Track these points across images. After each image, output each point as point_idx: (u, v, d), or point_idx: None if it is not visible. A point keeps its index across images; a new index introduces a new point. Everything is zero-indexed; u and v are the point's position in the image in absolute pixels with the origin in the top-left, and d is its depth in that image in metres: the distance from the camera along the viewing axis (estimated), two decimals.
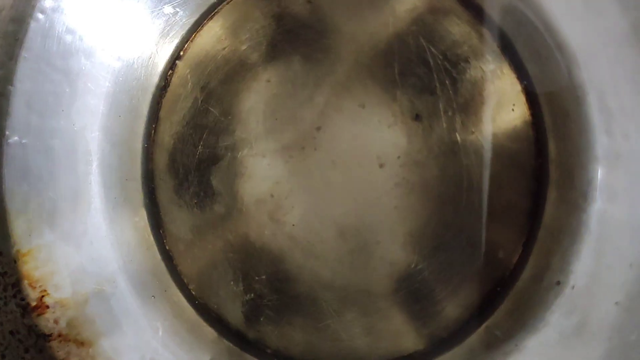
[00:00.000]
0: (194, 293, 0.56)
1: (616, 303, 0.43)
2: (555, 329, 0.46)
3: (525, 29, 0.49)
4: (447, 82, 0.50)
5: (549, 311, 0.46)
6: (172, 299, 0.56)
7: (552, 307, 0.46)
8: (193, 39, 0.57)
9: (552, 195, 0.48)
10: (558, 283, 0.46)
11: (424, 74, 0.50)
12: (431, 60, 0.50)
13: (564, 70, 0.47)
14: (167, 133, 0.57)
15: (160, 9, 0.56)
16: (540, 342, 0.46)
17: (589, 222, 0.46)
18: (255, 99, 0.54)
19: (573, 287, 0.45)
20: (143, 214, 0.58)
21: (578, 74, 0.46)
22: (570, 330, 0.45)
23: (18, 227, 0.55)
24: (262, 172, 0.53)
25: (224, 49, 0.56)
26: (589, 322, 0.45)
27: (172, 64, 0.57)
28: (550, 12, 0.47)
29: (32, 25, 0.55)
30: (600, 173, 0.45)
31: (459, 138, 0.49)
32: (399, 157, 0.50)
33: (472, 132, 0.49)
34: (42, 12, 0.54)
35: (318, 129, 0.52)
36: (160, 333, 0.55)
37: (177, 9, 0.56)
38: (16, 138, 0.55)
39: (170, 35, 0.57)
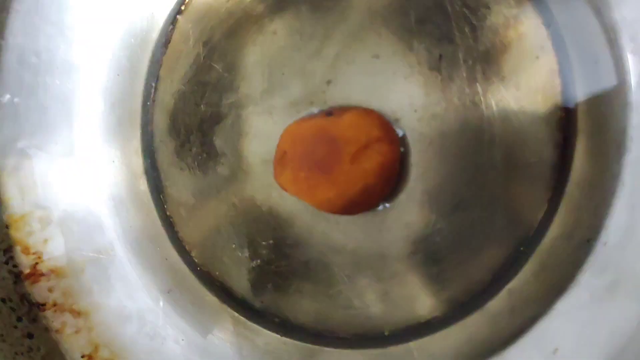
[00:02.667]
0: (196, 260, 0.53)
1: None
2: (586, 289, 0.42)
3: None
4: (466, 29, 0.47)
5: (578, 270, 0.43)
6: (173, 267, 0.53)
7: (582, 266, 0.43)
8: None
9: (580, 146, 0.45)
10: (589, 240, 0.42)
11: (442, 22, 0.47)
12: (449, 7, 0.47)
13: (595, 12, 0.43)
14: (168, 92, 0.54)
15: None
16: (570, 304, 0.43)
17: (622, 174, 0.42)
18: (261, 53, 0.51)
19: (605, 244, 0.42)
20: (142, 177, 0.55)
21: (609, 14, 0.43)
22: (602, 291, 0.42)
23: (10, 190, 0.52)
24: (268, 130, 0.50)
25: (228, 1, 0.52)
26: (622, 281, 0.42)
27: (173, 19, 0.54)
28: None
29: None
30: (634, 120, 0.42)
31: (479, 88, 0.46)
32: (415, 110, 0.47)
33: (494, 82, 0.46)
34: None
35: (328, 82, 0.49)
36: (161, 303, 0.52)
37: None
38: (8, 96, 0.52)
39: None
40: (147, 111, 0.55)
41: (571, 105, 0.45)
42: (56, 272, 0.52)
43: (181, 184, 0.54)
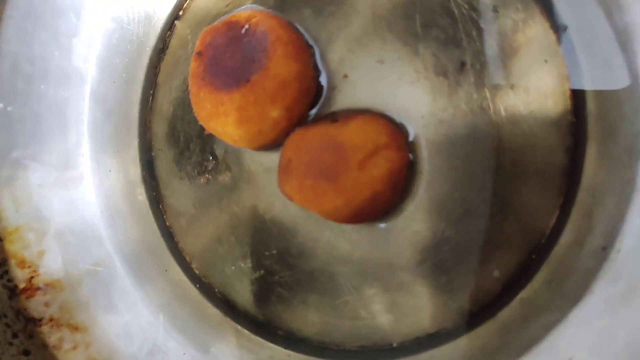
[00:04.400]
0: (197, 272, 0.52)
1: None
2: (601, 297, 0.41)
3: None
4: (473, 33, 0.46)
5: (592, 278, 0.42)
6: (173, 279, 0.52)
7: (596, 273, 0.42)
8: None
9: (591, 152, 0.44)
10: (604, 249, 0.41)
11: (448, 25, 0.46)
12: (456, 10, 0.46)
13: (605, 14, 0.43)
14: (166, 99, 0.53)
15: None
16: (584, 312, 0.42)
17: (635, 179, 0.41)
18: None
19: (619, 251, 0.41)
20: (141, 187, 0.53)
21: (620, 19, 0.42)
22: (617, 298, 0.41)
23: (4, 202, 0.50)
24: None
25: (227, 5, 0.51)
26: (637, 289, 0.41)
27: (170, 24, 0.53)
28: None
29: None
30: None
31: (488, 93, 0.45)
32: (422, 116, 0.46)
33: (503, 87, 0.45)
34: None
35: (333, 88, 0.47)
36: (161, 317, 0.50)
37: None
38: (1, 105, 0.50)
39: None
40: (144, 119, 0.54)
41: (581, 109, 0.44)
42: (53, 286, 0.51)
43: (181, 194, 0.52)
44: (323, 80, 0.48)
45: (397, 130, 0.45)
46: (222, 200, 0.51)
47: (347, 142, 0.43)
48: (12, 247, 0.50)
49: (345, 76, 0.47)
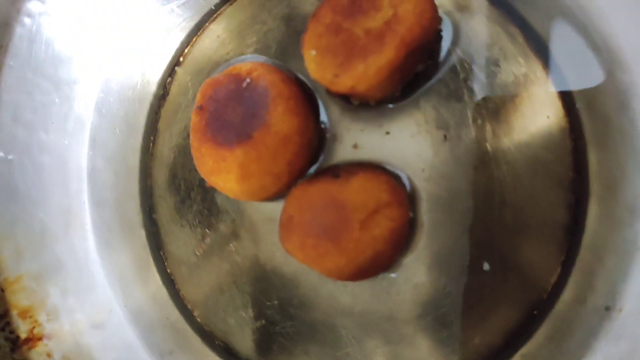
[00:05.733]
0: (199, 320, 0.52)
1: None
2: (602, 356, 0.42)
3: (561, 28, 0.45)
4: (475, 87, 0.46)
5: (593, 337, 0.42)
6: (175, 327, 0.52)
7: (597, 332, 0.42)
8: (194, 43, 0.53)
9: (593, 210, 0.44)
10: (607, 308, 0.41)
11: (449, 79, 0.46)
12: (458, 65, 0.46)
13: (606, 74, 0.43)
14: (167, 146, 0.53)
15: (158, 11, 0.52)
16: None
17: (637, 239, 0.42)
18: None
19: (621, 311, 0.41)
20: (142, 234, 0.53)
21: (622, 77, 0.42)
22: (619, 358, 0.41)
23: (5, 252, 0.50)
24: None
25: (228, 53, 0.51)
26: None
27: (171, 71, 0.53)
28: (592, 8, 0.43)
29: (18, 30, 0.50)
30: None
31: (489, 148, 0.45)
32: (423, 169, 0.46)
33: (504, 142, 0.45)
34: (29, 15, 0.50)
35: (334, 139, 0.47)
36: None
37: (176, 11, 0.52)
38: (1, 154, 0.50)
39: (168, 40, 0.53)
40: (145, 165, 0.53)
41: (583, 166, 0.44)
42: (54, 336, 0.51)
43: (182, 242, 0.52)
44: (324, 123, 0.48)
45: (398, 185, 0.45)
46: (223, 249, 0.51)
47: (349, 200, 0.43)
48: (14, 297, 0.50)
49: (355, 146, 0.47)
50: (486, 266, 0.45)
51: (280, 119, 0.44)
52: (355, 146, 0.47)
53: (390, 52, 0.41)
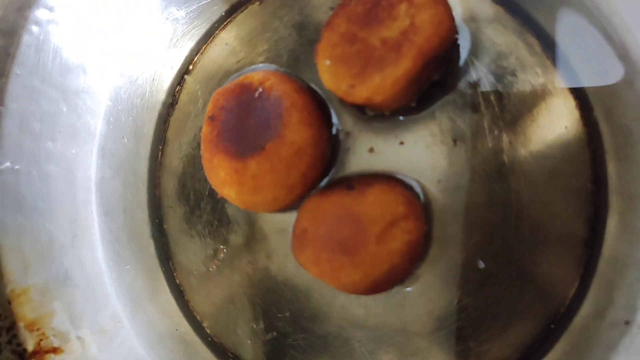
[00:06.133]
0: (208, 332, 0.51)
1: None
2: None
3: (580, 37, 0.44)
4: (491, 98, 0.45)
5: (613, 352, 0.42)
6: (184, 339, 0.51)
7: (617, 347, 0.41)
8: (203, 51, 0.52)
9: (612, 222, 0.44)
10: (627, 323, 0.41)
11: (465, 89, 0.45)
12: (474, 73, 0.45)
13: (626, 84, 0.42)
14: (176, 155, 0.52)
15: (167, 19, 0.51)
16: None
17: None
18: None
19: None
20: (150, 245, 0.52)
21: None
22: None
23: (12, 264, 0.49)
24: None
25: (239, 61, 0.50)
26: None
27: (180, 79, 0.52)
28: (614, 15, 0.42)
29: (25, 38, 0.49)
30: None
31: (506, 159, 0.45)
32: (439, 181, 0.45)
33: (521, 153, 0.44)
34: (36, 23, 0.49)
35: (347, 150, 0.47)
36: None
37: (185, 19, 0.51)
38: (8, 164, 0.49)
39: (177, 48, 0.52)
40: (154, 175, 0.53)
41: (602, 178, 0.43)
42: (62, 349, 0.50)
43: (191, 252, 0.51)
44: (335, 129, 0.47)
45: (414, 198, 0.44)
46: (233, 260, 0.50)
47: (365, 214, 0.42)
48: (21, 310, 0.49)
49: (372, 150, 0.46)
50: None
51: (294, 131, 0.43)
52: (371, 150, 0.46)
53: (408, 63, 0.40)
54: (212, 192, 0.50)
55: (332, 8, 0.49)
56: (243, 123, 0.44)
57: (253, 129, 0.44)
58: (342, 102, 0.46)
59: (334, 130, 0.47)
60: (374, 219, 0.42)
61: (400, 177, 0.46)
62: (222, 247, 0.50)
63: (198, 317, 0.52)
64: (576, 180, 0.44)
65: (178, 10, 0.53)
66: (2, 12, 0.48)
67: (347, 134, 0.47)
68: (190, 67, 0.52)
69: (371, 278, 0.42)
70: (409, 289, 0.46)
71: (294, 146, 0.43)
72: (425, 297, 0.46)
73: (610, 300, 0.43)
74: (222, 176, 0.44)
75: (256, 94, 0.45)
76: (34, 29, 0.50)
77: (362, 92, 0.41)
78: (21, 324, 0.49)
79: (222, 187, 0.44)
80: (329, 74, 0.43)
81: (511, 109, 0.45)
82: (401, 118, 0.46)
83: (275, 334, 0.49)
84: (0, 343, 0.48)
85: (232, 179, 0.43)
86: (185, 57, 0.53)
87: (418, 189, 0.45)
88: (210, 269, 0.50)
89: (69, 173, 0.52)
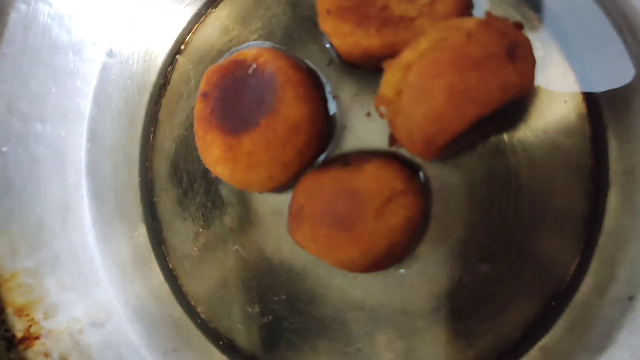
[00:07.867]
0: (202, 317, 0.50)
1: None
2: (625, 348, 0.40)
3: (579, 10, 0.43)
4: None
5: (616, 328, 0.41)
6: (178, 324, 0.50)
7: (620, 323, 0.41)
8: (195, 30, 0.51)
9: (613, 197, 0.43)
10: (630, 298, 0.40)
11: None
12: None
13: (630, 57, 0.41)
14: (168, 137, 0.51)
15: None
16: None
17: None
18: None
19: None
20: (142, 229, 0.51)
21: None
22: None
23: (0, 248, 0.48)
24: None
25: (231, 40, 0.49)
26: None
27: (172, 59, 0.51)
28: None
29: (13, 16, 0.48)
30: None
31: (505, 135, 0.44)
32: None
33: (521, 128, 0.44)
34: (24, 1, 0.48)
35: (343, 128, 0.46)
36: None
37: None
38: None
39: (169, 27, 0.51)
40: (145, 157, 0.52)
41: (602, 153, 0.43)
42: (52, 334, 0.49)
43: (184, 236, 0.50)
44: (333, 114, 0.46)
45: (412, 174, 0.43)
46: (227, 243, 0.49)
47: (362, 188, 0.41)
48: (9, 295, 0.48)
49: (369, 114, 0.45)
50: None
51: (290, 106, 0.42)
52: (368, 114, 0.45)
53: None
54: (205, 174, 0.49)
55: None
56: (237, 100, 0.43)
57: (247, 105, 0.43)
58: (341, 58, 0.45)
59: (329, 99, 0.46)
60: (371, 195, 0.41)
61: (398, 153, 0.45)
62: (211, 224, 0.49)
63: (192, 302, 0.51)
64: (576, 156, 0.43)
65: None
66: None
67: (343, 112, 0.46)
68: (182, 47, 0.51)
69: (370, 255, 0.41)
70: (405, 270, 0.45)
71: (289, 122, 0.42)
72: (424, 277, 0.45)
73: (612, 276, 0.42)
74: (215, 154, 0.43)
75: (250, 70, 0.44)
76: (22, 7, 0.49)
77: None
78: (10, 310, 0.48)
79: (216, 165, 0.44)
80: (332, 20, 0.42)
81: None
82: None
83: (271, 317, 0.48)
84: None
85: (226, 156, 0.42)
86: (177, 37, 0.52)
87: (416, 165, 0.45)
88: (201, 247, 0.49)
89: (59, 155, 0.51)
